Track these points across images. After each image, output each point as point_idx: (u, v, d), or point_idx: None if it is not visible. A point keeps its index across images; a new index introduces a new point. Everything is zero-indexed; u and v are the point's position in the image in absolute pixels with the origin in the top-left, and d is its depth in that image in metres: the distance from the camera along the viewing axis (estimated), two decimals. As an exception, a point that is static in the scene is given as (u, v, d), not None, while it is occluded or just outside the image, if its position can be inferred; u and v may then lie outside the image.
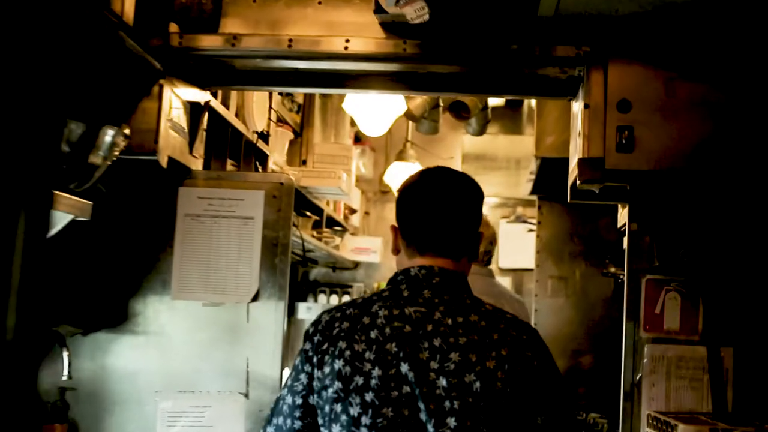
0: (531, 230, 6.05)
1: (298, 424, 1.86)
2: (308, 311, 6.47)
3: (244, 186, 2.81)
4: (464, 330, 1.79)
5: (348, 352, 1.80)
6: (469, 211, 1.96)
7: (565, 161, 3.07)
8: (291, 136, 4.11)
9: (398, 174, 5.96)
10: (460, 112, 4.43)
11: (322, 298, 6.56)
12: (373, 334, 1.81)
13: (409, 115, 4.50)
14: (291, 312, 6.48)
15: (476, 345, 1.77)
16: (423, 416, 1.74)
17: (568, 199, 2.85)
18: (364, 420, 1.75)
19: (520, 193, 6.40)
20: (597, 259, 5.43)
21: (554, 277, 5.51)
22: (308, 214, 4.59)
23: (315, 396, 1.85)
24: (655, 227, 2.69)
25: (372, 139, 6.59)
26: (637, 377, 2.68)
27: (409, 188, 1.99)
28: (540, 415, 1.77)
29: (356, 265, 6.63)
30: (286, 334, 6.25)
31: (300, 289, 6.60)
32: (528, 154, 5.89)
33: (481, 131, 5.06)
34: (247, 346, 2.79)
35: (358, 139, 6.39)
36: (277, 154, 3.93)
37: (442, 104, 4.83)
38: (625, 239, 2.83)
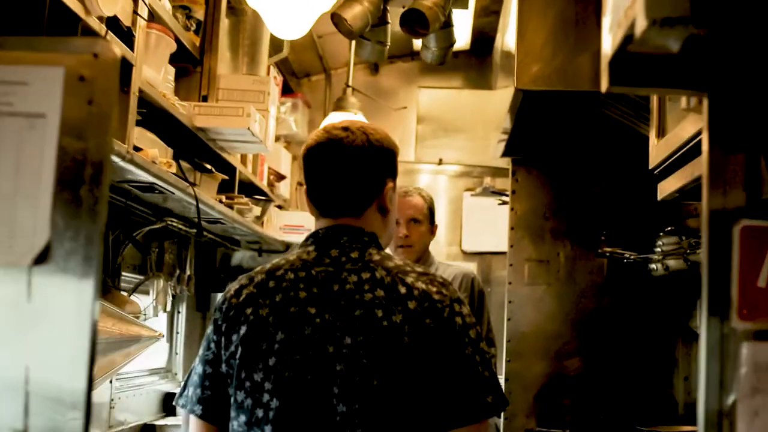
0: (503, 203, 4.93)
1: (207, 393, 1.88)
2: (228, 304, 5.25)
3: (27, 60, 1.57)
4: (370, 286, 1.81)
5: (252, 317, 1.82)
6: (363, 167, 1.93)
7: (556, 97, 2.61)
8: (172, 46, 2.89)
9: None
10: (414, 26, 3.25)
11: (244, 287, 5.33)
12: (277, 298, 1.84)
13: (345, 30, 3.31)
14: (207, 304, 5.29)
15: (382, 301, 1.78)
16: (328, 377, 1.75)
17: (604, 87, 1.59)
18: (267, 385, 1.77)
19: (489, 159, 5.27)
20: (587, 238, 4.43)
21: (532, 260, 4.57)
22: (209, 167, 3.38)
23: (224, 365, 1.85)
24: (758, 137, 1.50)
25: (307, 91, 5.39)
26: (729, 400, 1.47)
27: (309, 147, 1.98)
28: (453, 370, 1.75)
29: (287, 247, 5.43)
30: (200, 332, 5.04)
31: (217, 277, 5.38)
32: (499, 112, 4.76)
33: (441, 58, 3.90)
34: (27, 343, 1.54)
35: (289, 90, 5.18)
36: (150, 68, 2.71)
37: (390, 21, 3.64)
38: (703, 162, 1.60)
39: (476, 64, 5.52)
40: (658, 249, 4.02)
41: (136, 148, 2.65)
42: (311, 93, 5.44)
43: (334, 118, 4.73)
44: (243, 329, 1.82)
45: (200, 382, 1.89)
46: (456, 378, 1.74)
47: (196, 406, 1.90)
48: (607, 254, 4.04)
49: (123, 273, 3.82)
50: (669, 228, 3.83)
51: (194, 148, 3.40)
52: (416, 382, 1.73)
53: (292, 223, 5.17)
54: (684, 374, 4.31)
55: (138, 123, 2.72)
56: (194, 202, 3.16)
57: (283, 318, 1.80)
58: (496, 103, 5.17)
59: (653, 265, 4.07)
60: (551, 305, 4.44)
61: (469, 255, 5.48)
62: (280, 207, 5.14)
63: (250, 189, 4.31)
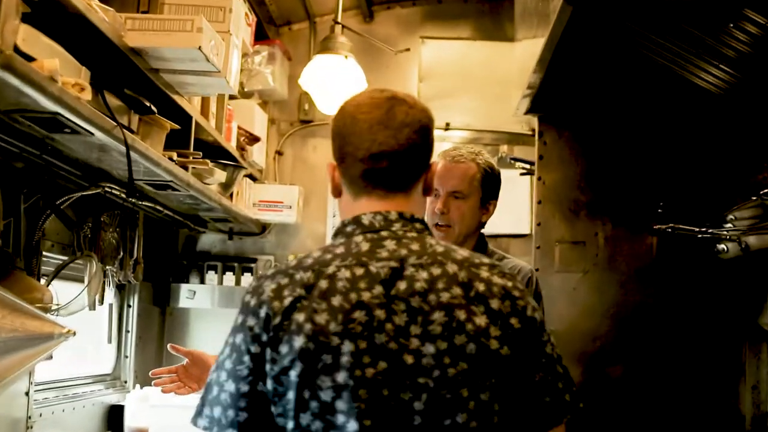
0: (527, 172, 4.09)
1: (243, 416, 1.62)
2: (192, 297, 4.40)
3: None
4: (445, 284, 1.62)
5: (308, 326, 1.59)
6: (424, 135, 1.73)
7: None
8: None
9: (320, 74, 3.87)
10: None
11: (211, 276, 4.47)
12: (336, 301, 1.59)
13: None
14: (167, 297, 4.40)
15: (461, 300, 1.61)
16: (409, 393, 1.57)
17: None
18: (340, 405, 1.56)
19: (504, 123, 4.42)
20: (632, 213, 3.67)
21: (565, 242, 3.88)
22: (148, 105, 2.50)
23: (270, 381, 1.60)
24: None
25: (287, 42, 4.52)
26: None
27: (358, 105, 1.73)
28: (538, 372, 1.65)
29: (264, 228, 4.55)
30: (158, 330, 4.07)
31: (180, 265, 4.50)
32: (520, 68, 3.93)
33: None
34: None
35: (264, 35, 4.28)
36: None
37: None
38: None
39: (489, 10, 4.62)
40: (729, 225, 3.22)
41: (25, 55, 1.77)
42: (292, 44, 4.54)
43: (321, 63, 3.86)
44: (298, 340, 1.59)
45: (233, 402, 1.63)
46: (542, 380, 1.65)
47: (230, 431, 1.63)
48: (669, 230, 3.19)
49: (45, 253, 2.95)
50: (753, 198, 3.00)
51: (131, 84, 2.52)
52: (507, 390, 1.63)
53: (269, 198, 4.29)
54: (752, 382, 3.66)
55: (28, 20, 1.84)
56: (122, 143, 2.28)
57: (347, 325, 1.58)
58: (515, 57, 4.33)
59: (722, 246, 3.25)
60: (588, 297, 3.78)
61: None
62: (253, 178, 4.25)
63: (213, 151, 3.42)
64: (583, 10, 2.61)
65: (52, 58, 1.89)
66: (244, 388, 1.61)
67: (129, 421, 3.75)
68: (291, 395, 1.58)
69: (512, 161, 4.10)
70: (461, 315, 1.59)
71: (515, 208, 4.23)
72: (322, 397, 1.56)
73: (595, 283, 3.72)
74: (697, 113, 3.49)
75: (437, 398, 1.56)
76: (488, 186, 2.83)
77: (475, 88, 4.55)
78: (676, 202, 3.53)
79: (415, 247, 1.67)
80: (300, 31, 4.63)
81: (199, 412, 1.68)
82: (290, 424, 1.59)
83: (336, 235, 1.74)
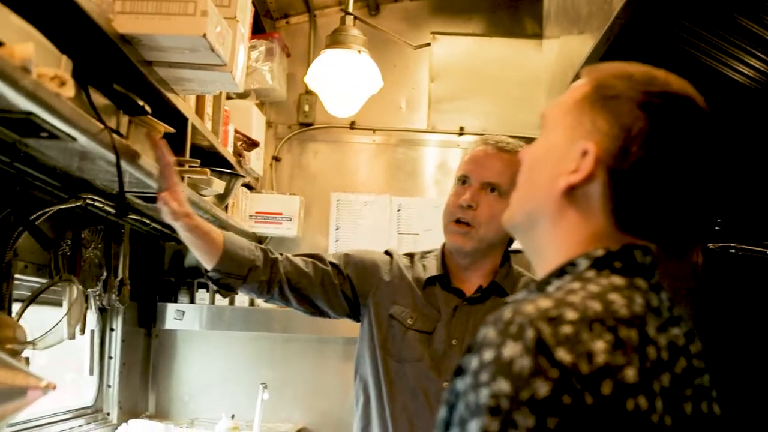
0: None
1: None
2: (180, 318, 3.98)
3: None
4: (689, 340, 1.20)
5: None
6: None
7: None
8: None
9: (329, 71, 3.45)
10: None
11: (202, 295, 4.04)
12: (666, 380, 1.09)
13: None
14: (152, 318, 3.98)
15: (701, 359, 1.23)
16: None
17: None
18: None
19: (523, 128, 4.04)
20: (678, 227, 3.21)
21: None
22: (141, 104, 2.09)
23: None
24: None
25: (284, 36, 4.10)
26: None
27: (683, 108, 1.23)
28: None
29: (260, 242, 4.12)
30: (143, 355, 3.66)
31: (167, 282, 4.08)
32: (545, 66, 3.54)
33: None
34: None
35: (261, 29, 3.88)
36: None
37: None
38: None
39: (505, 4, 4.24)
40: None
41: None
42: (290, 39, 4.13)
43: (330, 58, 3.45)
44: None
45: None
46: None
47: None
48: (732, 251, 2.81)
49: (18, 275, 2.53)
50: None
51: (120, 79, 2.11)
52: None
53: (267, 210, 3.88)
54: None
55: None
56: (113, 158, 1.87)
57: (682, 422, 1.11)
58: (541, 56, 3.94)
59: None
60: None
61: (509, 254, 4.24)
62: (249, 187, 3.84)
63: (208, 158, 3.01)
64: (645, 7, 2.24)
65: (24, 43, 1.48)
66: None
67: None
68: None
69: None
70: (707, 378, 1.25)
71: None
72: None
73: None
74: (747, 117, 3.13)
75: None
76: None
77: (491, 89, 4.16)
78: (729, 218, 3.16)
79: (665, 296, 1.27)
80: (299, 25, 4.22)
81: None
82: None
83: (602, 267, 1.23)
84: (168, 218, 2.22)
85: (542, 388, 0.98)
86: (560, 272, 1.19)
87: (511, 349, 1.01)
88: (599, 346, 1.03)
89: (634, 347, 1.06)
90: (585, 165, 1.20)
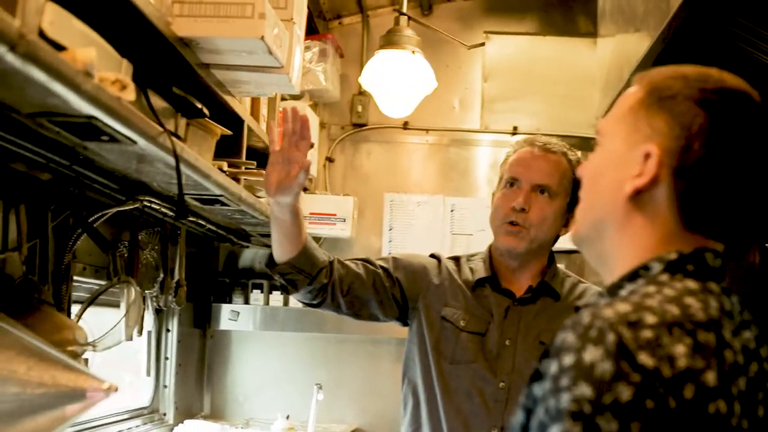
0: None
1: None
2: (235, 319, 4.00)
3: None
4: (759, 344, 1.19)
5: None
6: None
7: None
8: None
9: (384, 72, 3.45)
10: None
11: (257, 296, 4.06)
12: (743, 384, 1.08)
13: None
14: (207, 319, 4.00)
15: None
16: None
17: None
18: None
19: (578, 127, 4.00)
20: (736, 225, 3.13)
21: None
22: (200, 107, 2.10)
23: None
24: None
25: (336, 33, 4.10)
26: None
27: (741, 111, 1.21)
28: None
29: (313, 243, 4.14)
30: (198, 356, 3.68)
31: (221, 283, 4.10)
32: (598, 65, 3.50)
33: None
34: None
35: (314, 30, 3.88)
36: None
37: None
38: None
39: (557, 2, 4.21)
40: None
41: (53, 43, 1.37)
42: (343, 40, 4.13)
43: (384, 58, 3.44)
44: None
45: None
46: None
47: None
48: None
49: (76, 277, 2.56)
50: None
51: (178, 82, 2.12)
52: None
53: (321, 210, 3.89)
54: None
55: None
56: (173, 162, 1.88)
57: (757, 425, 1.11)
58: (595, 55, 3.90)
59: None
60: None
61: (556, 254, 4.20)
62: (303, 188, 3.85)
63: (263, 159, 3.01)
64: (702, 5, 2.20)
65: (86, 48, 1.50)
66: None
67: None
68: None
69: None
70: None
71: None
72: None
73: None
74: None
75: None
76: (574, 190, 2.30)
77: (544, 88, 4.12)
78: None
79: (735, 301, 1.28)
80: (351, 25, 4.22)
81: None
82: None
83: (672, 270, 1.22)
84: (287, 193, 2.24)
85: (625, 393, 0.98)
86: (633, 276, 1.19)
87: (591, 354, 1.01)
88: (680, 350, 1.03)
89: (713, 351, 1.05)
90: (649, 167, 1.20)
